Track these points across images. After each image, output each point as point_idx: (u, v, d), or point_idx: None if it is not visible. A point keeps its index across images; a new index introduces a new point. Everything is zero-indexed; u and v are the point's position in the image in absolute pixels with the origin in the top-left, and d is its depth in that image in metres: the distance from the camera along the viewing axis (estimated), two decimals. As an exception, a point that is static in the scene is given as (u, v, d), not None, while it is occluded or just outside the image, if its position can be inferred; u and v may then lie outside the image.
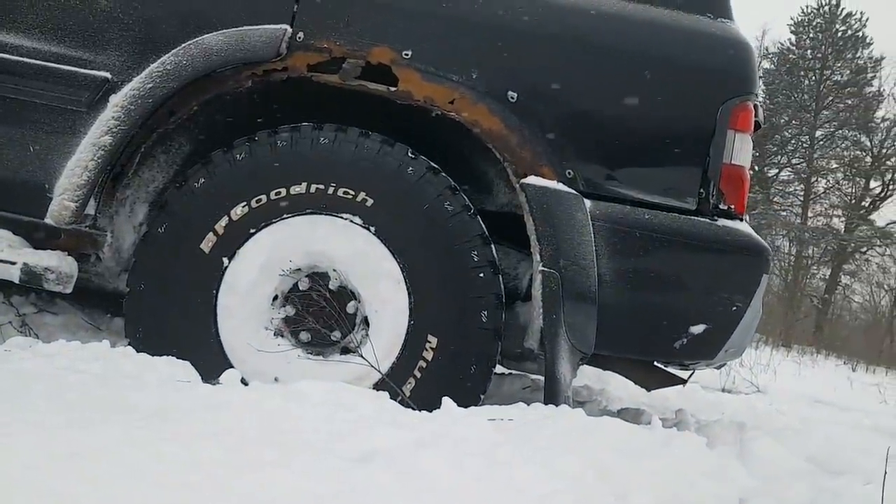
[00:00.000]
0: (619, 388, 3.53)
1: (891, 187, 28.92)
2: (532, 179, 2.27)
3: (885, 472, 1.50)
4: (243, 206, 2.22)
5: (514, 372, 3.19)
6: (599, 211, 2.25)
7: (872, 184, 29.10)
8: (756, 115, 2.43)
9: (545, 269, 2.22)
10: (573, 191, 2.26)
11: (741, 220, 2.40)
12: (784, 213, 28.42)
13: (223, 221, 2.22)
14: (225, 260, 2.22)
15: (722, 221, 2.33)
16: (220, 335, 2.20)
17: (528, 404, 2.05)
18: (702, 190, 2.32)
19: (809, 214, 28.89)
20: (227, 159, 2.24)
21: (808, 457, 1.99)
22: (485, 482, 1.25)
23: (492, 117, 2.28)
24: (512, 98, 2.28)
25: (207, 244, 2.22)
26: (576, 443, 1.64)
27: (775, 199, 28.15)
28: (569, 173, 2.28)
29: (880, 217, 29.46)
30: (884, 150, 28.59)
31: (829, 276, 29.31)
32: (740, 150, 2.35)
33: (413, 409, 2.03)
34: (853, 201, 29.09)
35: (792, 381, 7.98)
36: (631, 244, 2.26)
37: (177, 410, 1.35)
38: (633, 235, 2.26)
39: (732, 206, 2.35)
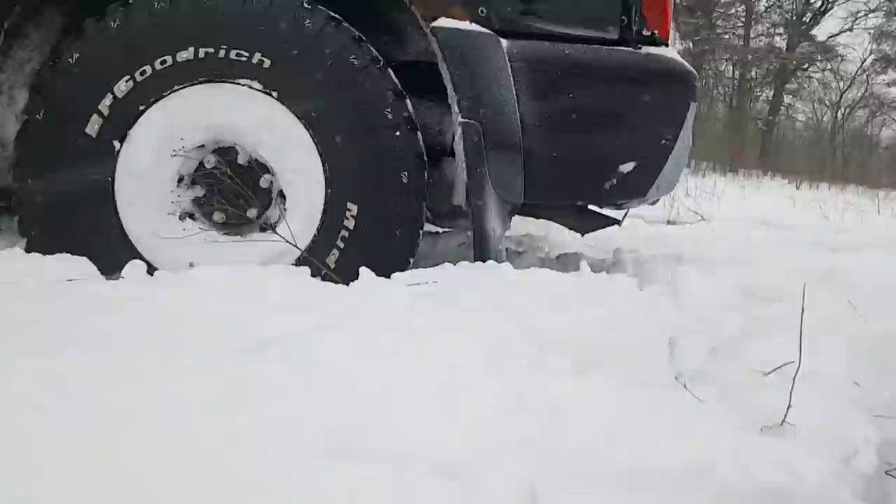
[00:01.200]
0: (560, 232, 3.49)
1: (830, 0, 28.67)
2: (443, 22, 2.09)
3: (804, 299, 1.46)
4: (127, 81, 2.02)
5: (448, 230, 3.12)
6: (517, 50, 2.10)
7: (812, -3, 28.81)
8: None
9: (465, 119, 2.09)
10: (488, 30, 2.09)
11: (666, 45, 2.26)
12: (727, 37, 28.12)
13: (107, 100, 2.02)
14: (116, 143, 2.04)
15: (646, 49, 2.20)
16: (124, 224, 2.06)
17: (456, 263, 1.98)
18: (623, 17, 2.17)
19: (752, 35, 28.65)
20: (101, 28, 2.01)
21: (740, 287, 1.96)
22: (393, 359, 1.17)
23: (396, -44, 2.07)
24: (416, -67, 2.06)
25: (93, 127, 2.02)
26: (501, 299, 1.57)
27: (717, 23, 27.74)
28: (482, 11, 2.10)
29: (821, 32, 29.39)
30: (823, -38, 28.11)
31: (772, 96, 29.54)
32: (663, -30, 2.18)
33: (337, 282, 1.96)
34: (794, 17, 28.86)
35: (737, 205, 8.09)
36: (552, 83, 2.13)
37: (48, 317, 1.23)
38: (553, 73, 2.12)
39: (656, 32, 2.21)
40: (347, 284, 1.77)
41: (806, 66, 29.01)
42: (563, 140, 2.17)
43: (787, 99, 30.03)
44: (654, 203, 2.62)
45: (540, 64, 2.11)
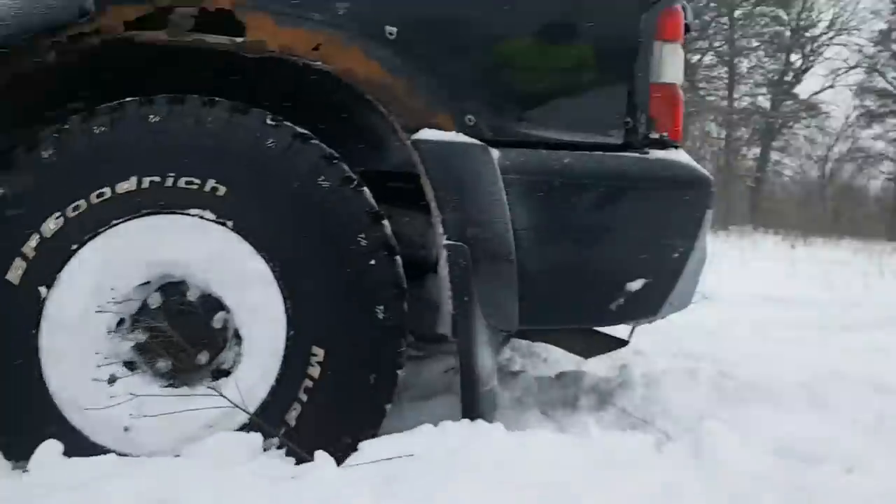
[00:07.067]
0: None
1: (811, 58, 29.20)
2: (425, 133, 1.85)
3: None
4: (57, 219, 1.75)
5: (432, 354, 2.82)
6: (510, 161, 1.85)
7: (793, 57, 29.30)
8: (685, 18, 2.04)
9: (450, 241, 1.83)
10: (477, 140, 1.85)
11: (676, 148, 2.03)
12: (711, 98, 28.42)
13: (33, 241, 1.74)
14: (43, 290, 1.76)
15: (654, 153, 1.96)
16: (48, 384, 1.76)
17: (436, 425, 1.69)
18: (628, 119, 1.93)
19: (735, 96, 29.02)
20: (31, 160, 1.75)
21: (774, 441, 1.68)
22: None
23: (368, 62, 1.84)
24: (391, 34, 1.84)
25: (16, 273, 1.75)
26: (488, 490, 1.28)
27: (701, 85, 28.03)
28: (469, 120, 1.87)
29: (803, 90, 29.84)
30: (801, 23, 28.68)
31: (759, 154, 29.80)
32: (671, 65, 1.96)
33: (293, 447, 1.68)
34: (776, 78, 29.28)
35: (737, 272, 7.89)
36: (550, 196, 1.88)
37: None
38: (551, 185, 1.88)
39: (666, 134, 1.97)
40: (311, 446, 1.48)
41: (791, 123, 29.36)
42: (564, 259, 1.91)
43: (774, 155, 30.32)
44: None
45: (536, 175, 1.86)
